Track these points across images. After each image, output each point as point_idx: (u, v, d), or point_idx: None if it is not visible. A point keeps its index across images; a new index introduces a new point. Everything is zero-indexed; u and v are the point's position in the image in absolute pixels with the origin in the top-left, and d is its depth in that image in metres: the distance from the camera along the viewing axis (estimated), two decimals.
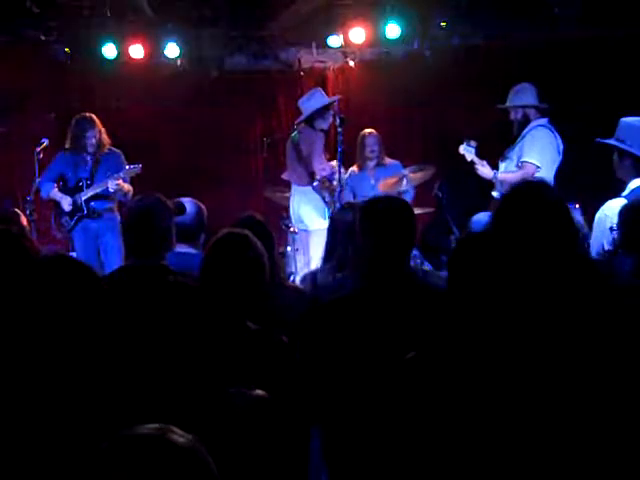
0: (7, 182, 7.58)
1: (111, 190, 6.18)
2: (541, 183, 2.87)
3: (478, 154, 5.71)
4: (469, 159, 5.71)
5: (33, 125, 7.77)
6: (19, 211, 5.48)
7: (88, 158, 6.36)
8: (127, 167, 6.29)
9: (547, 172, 5.50)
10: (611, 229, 3.66)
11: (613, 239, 3.65)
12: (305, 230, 6.49)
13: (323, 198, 6.39)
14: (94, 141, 6.29)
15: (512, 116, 5.74)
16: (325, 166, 6.36)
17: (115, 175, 6.19)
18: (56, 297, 2.04)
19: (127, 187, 6.26)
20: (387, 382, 2.44)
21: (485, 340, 2.32)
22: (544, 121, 5.68)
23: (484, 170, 5.68)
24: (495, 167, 5.76)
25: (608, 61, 7.38)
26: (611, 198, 4.02)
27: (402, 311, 2.61)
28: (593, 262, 2.68)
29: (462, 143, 5.73)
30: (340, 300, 2.86)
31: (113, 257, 6.28)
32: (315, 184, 6.37)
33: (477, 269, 2.49)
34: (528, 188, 2.76)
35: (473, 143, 5.68)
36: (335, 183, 6.20)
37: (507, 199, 2.73)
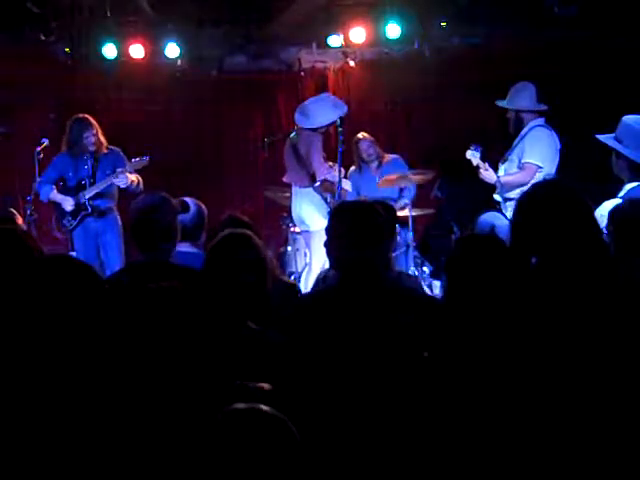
0: (7, 182, 7.59)
1: (122, 186, 6.18)
2: (554, 183, 2.80)
3: (482, 158, 5.75)
4: (475, 164, 5.75)
5: (33, 125, 7.77)
6: (14, 211, 5.46)
7: (87, 158, 6.35)
8: (134, 160, 6.29)
9: (548, 171, 5.55)
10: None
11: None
12: (307, 231, 6.50)
13: (325, 199, 6.40)
14: (93, 140, 6.27)
15: (507, 115, 5.79)
16: (326, 167, 6.36)
17: (120, 169, 6.19)
18: (57, 298, 2.04)
19: (135, 177, 6.26)
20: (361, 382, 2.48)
21: (482, 344, 2.32)
22: (541, 121, 5.72)
23: (487, 174, 5.72)
24: (495, 168, 5.78)
25: (607, 61, 7.38)
26: (608, 199, 4.02)
27: (368, 310, 2.66)
28: (614, 265, 2.62)
29: (469, 149, 5.76)
30: (312, 296, 2.93)
31: (113, 256, 6.28)
32: (316, 185, 6.37)
33: (475, 272, 2.49)
34: (543, 190, 2.71)
35: (478, 148, 5.73)
36: (336, 183, 6.21)
37: (522, 204, 2.68)
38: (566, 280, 2.41)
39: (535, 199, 2.64)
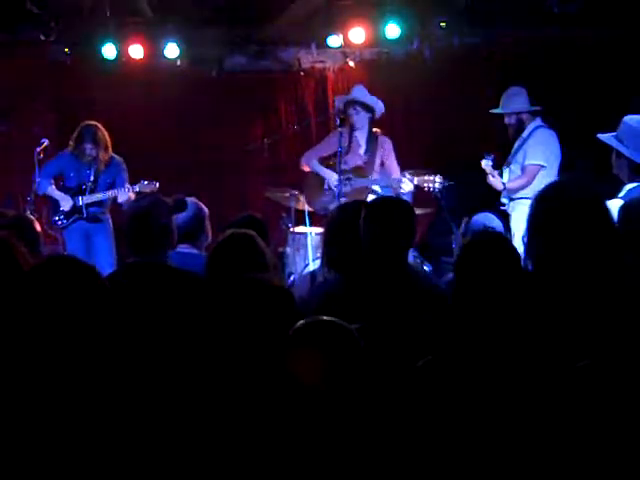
0: (7, 182, 7.59)
1: (120, 201, 6.24)
2: (573, 182, 2.80)
3: (494, 166, 5.78)
4: (487, 171, 5.78)
5: (33, 125, 7.77)
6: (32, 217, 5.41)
7: (91, 163, 6.36)
8: (142, 182, 6.30)
9: (552, 170, 5.60)
10: None
11: None
12: None
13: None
14: (93, 153, 6.30)
15: (506, 121, 5.81)
16: (306, 155, 6.43)
17: (128, 187, 6.22)
18: (58, 297, 2.04)
19: (133, 197, 6.28)
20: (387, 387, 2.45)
21: (489, 346, 2.31)
22: (539, 121, 5.75)
23: (494, 182, 5.75)
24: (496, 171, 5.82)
25: (608, 60, 7.38)
26: (608, 199, 4.02)
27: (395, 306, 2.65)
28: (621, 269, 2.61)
29: (483, 159, 5.79)
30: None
31: (104, 258, 6.27)
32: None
33: (485, 273, 2.48)
34: (558, 188, 2.71)
35: (491, 157, 5.76)
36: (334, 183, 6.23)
37: (537, 202, 2.67)
38: (574, 282, 2.40)
39: (548, 198, 2.63)
